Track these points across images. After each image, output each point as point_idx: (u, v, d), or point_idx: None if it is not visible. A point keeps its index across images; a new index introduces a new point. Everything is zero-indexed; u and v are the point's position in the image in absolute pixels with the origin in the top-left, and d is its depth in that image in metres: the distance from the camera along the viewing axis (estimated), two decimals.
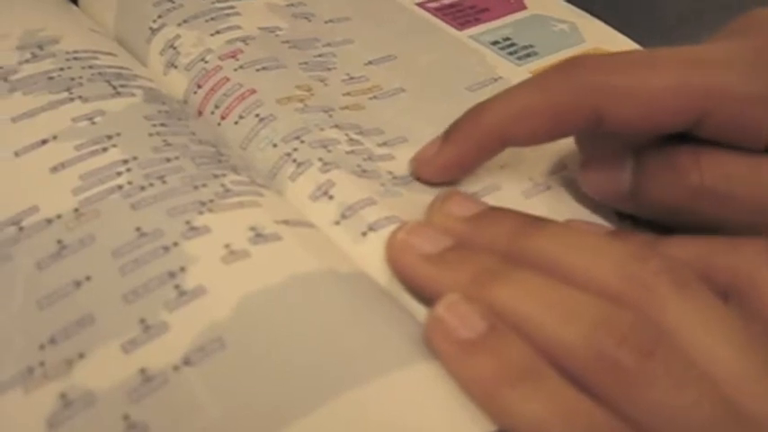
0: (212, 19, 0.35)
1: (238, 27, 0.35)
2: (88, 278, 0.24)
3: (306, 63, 0.34)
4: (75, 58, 0.32)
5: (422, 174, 0.30)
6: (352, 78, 0.34)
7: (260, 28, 0.35)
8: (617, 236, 0.28)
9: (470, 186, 0.30)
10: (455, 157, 0.29)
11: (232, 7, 0.36)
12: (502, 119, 0.28)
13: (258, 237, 0.25)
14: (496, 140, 0.28)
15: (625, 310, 0.22)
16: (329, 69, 0.34)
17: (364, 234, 0.27)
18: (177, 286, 0.23)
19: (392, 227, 0.27)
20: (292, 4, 0.38)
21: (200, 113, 0.33)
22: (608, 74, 0.26)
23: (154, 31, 0.36)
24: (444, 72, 0.36)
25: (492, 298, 0.23)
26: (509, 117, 0.28)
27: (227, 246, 0.24)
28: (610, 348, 0.21)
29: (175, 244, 0.24)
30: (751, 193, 0.26)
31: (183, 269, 0.23)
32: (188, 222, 0.25)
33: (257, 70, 0.33)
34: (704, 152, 0.26)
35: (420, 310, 0.25)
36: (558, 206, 0.31)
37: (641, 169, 0.28)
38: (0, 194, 0.26)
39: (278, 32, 0.35)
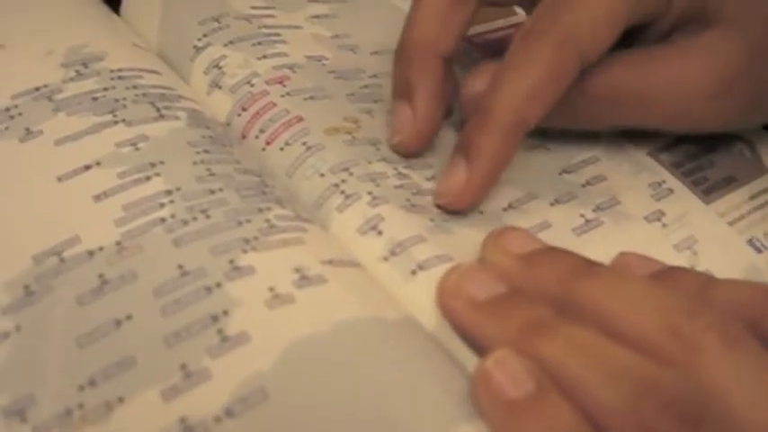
0: (259, 43, 0.35)
1: (285, 54, 0.34)
2: (129, 317, 0.23)
3: (352, 94, 0.33)
4: (120, 78, 0.32)
5: (461, 205, 0.29)
6: None
7: (306, 56, 0.35)
8: (671, 276, 0.27)
9: (521, 223, 0.30)
10: (488, 171, 0.29)
11: (278, 34, 0.36)
12: (514, 109, 0.28)
13: (303, 279, 0.24)
14: (518, 130, 0.28)
15: (670, 371, 0.21)
16: (375, 101, 0.33)
17: (413, 273, 0.26)
18: (220, 331, 0.22)
19: (442, 266, 0.26)
20: (337, 36, 0.37)
21: (243, 137, 0.32)
22: (572, 17, 0.28)
23: (198, 50, 0.35)
24: None
25: (539, 352, 0.22)
26: (520, 104, 0.28)
27: (271, 289, 0.24)
28: (651, 417, 0.20)
29: (218, 285, 0.23)
30: (639, 99, 0.30)
31: (226, 313, 0.23)
32: (231, 261, 0.24)
33: (304, 99, 0.32)
34: (589, 76, 0.29)
35: (469, 358, 0.24)
36: (610, 243, 0.30)
37: None
38: (42, 221, 0.26)
39: (324, 62, 0.35)
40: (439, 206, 0.29)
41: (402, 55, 0.31)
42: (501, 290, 0.25)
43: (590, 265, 0.25)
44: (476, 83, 0.30)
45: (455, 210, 0.29)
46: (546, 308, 0.24)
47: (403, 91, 0.31)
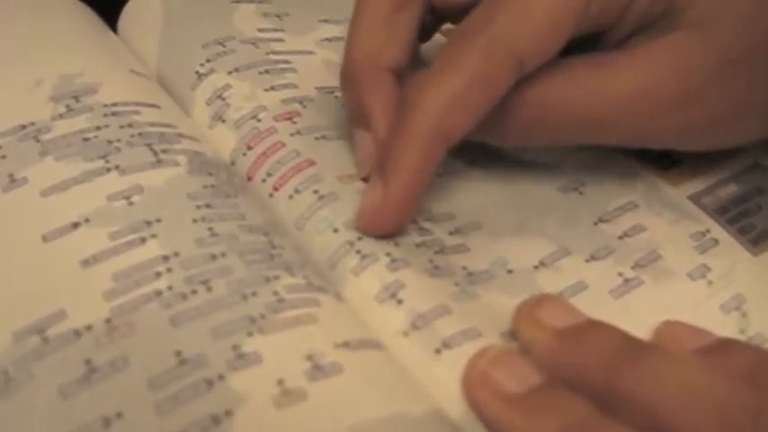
0: (266, 72, 0.32)
1: (295, 86, 0.31)
2: (119, 415, 0.20)
3: None
4: (114, 114, 0.29)
5: (378, 229, 0.26)
6: None
7: (317, 88, 0.32)
8: (724, 352, 0.25)
9: (554, 284, 0.27)
10: (405, 190, 0.25)
11: (287, 61, 0.33)
12: (432, 119, 0.25)
13: (316, 369, 0.21)
14: (437, 143, 0.25)
15: None
16: None
17: (438, 351, 0.23)
18: None
19: (469, 344, 0.24)
20: None
21: (249, 179, 0.29)
22: (506, 17, 0.25)
23: (201, 77, 0.32)
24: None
25: None
26: (439, 113, 0.25)
27: (280, 382, 0.21)
28: None
29: (221, 377, 0.21)
30: (588, 112, 0.26)
31: (229, 413, 0.20)
32: (236, 347, 0.21)
33: (316, 138, 0.29)
34: (529, 86, 0.26)
35: None
36: (651, 305, 0.27)
37: None
38: (25, 290, 0.23)
39: (336, 94, 0.32)
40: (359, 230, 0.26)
41: (346, 77, 0.28)
42: (535, 380, 0.22)
43: (636, 347, 0.23)
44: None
45: (374, 234, 0.26)
46: (587, 405, 0.21)
47: (358, 117, 0.28)
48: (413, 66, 0.29)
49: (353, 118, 0.28)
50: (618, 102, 0.26)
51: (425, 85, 0.25)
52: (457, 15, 0.28)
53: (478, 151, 0.31)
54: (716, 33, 0.26)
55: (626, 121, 0.26)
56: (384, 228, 0.26)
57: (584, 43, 0.28)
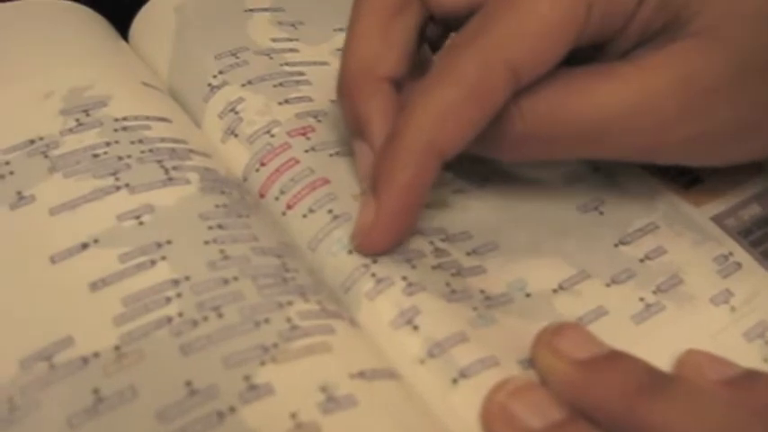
0: (281, 84, 0.31)
1: (309, 99, 0.31)
2: None
3: None
4: (125, 128, 0.28)
5: (373, 248, 0.25)
6: None
7: (332, 101, 0.31)
8: (749, 385, 0.24)
9: (574, 309, 0.26)
10: (398, 206, 0.24)
11: (301, 73, 0.32)
12: (424, 132, 0.24)
13: (330, 401, 0.21)
14: (430, 157, 0.24)
15: None
16: None
17: (455, 381, 0.23)
18: None
19: (487, 373, 0.23)
20: None
21: (261, 196, 0.28)
22: (501, 26, 0.24)
23: (213, 89, 0.32)
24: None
25: None
26: (431, 126, 0.24)
27: (293, 415, 0.20)
28: None
29: (232, 410, 0.20)
30: (589, 126, 0.25)
31: None
32: (247, 378, 0.21)
33: (330, 155, 0.29)
34: (525, 98, 0.24)
35: None
36: (673, 332, 0.26)
37: None
38: (33, 315, 0.23)
39: None
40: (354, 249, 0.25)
41: (343, 87, 0.27)
42: (556, 415, 0.22)
43: (658, 379, 0.22)
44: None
45: (370, 252, 0.25)
46: None
47: (355, 128, 0.27)
48: (415, 75, 0.28)
49: (351, 129, 0.27)
50: (619, 114, 0.25)
51: (417, 98, 0.24)
52: (458, 24, 0.27)
53: (495, 168, 0.30)
54: (723, 45, 0.25)
55: (627, 134, 0.25)
56: (379, 247, 0.25)
57: (587, 55, 0.27)
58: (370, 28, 0.27)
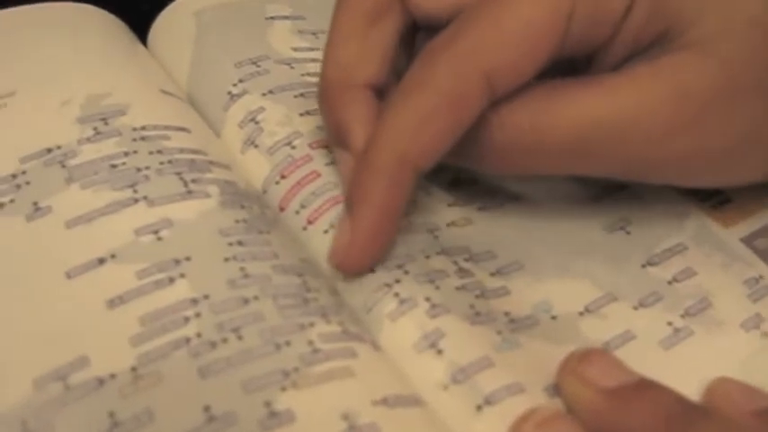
0: (302, 95, 0.30)
1: None
2: None
3: None
4: (143, 138, 0.28)
5: (350, 268, 0.25)
6: (458, 181, 0.29)
7: None
8: None
9: (600, 333, 0.26)
10: (373, 224, 0.24)
11: None
12: (396, 144, 0.23)
13: (352, 430, 0.20)
14: (403, 171, 0.23)
15: None
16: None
17: (479, 408, 0.22)
18: None
19: (512, 400, 0.22)
20: None
21: (281, 209, 0.28)
22: (474, 32, 0.23)
23: (233, 97, 0.31)
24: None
25: None
26: (403, 138, 0.23)
27: None
28: None
29: None
30: (571, 140, 0.24)
31: None
32: (267, 404, 0.20)
33: None
34: (505, 107, 0.23)
35: None
36: (702, 358, 0.26)
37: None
38: (48, 332, 0.22)
39: None
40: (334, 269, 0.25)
41: (322, 95, 0.26)
42: None
43: (689, 410, 0.22)
44: None
45: (349, 272, 0.25)
46: None
47: (336, 136, 0.26)
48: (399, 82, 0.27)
49: (332, 138, 0.27)
50: (605, 124, 0.23)
51: (389, 107, 0.23)
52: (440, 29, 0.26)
53: (521, 185, 0.29)
54: (719, 57, 0.24)
55: (614, 147, 0.24)
56: (356, 267, 0.25)
57: (579, 68, 0.26)
58: (349, 34, 0.26)
